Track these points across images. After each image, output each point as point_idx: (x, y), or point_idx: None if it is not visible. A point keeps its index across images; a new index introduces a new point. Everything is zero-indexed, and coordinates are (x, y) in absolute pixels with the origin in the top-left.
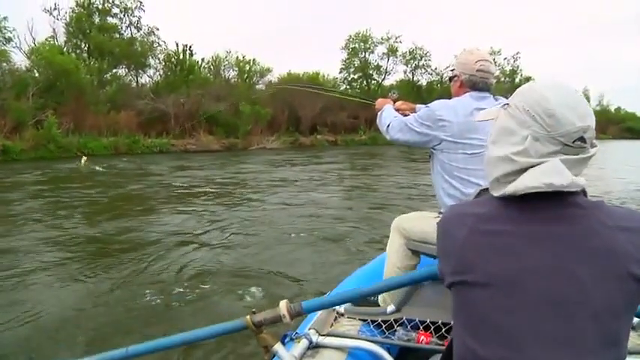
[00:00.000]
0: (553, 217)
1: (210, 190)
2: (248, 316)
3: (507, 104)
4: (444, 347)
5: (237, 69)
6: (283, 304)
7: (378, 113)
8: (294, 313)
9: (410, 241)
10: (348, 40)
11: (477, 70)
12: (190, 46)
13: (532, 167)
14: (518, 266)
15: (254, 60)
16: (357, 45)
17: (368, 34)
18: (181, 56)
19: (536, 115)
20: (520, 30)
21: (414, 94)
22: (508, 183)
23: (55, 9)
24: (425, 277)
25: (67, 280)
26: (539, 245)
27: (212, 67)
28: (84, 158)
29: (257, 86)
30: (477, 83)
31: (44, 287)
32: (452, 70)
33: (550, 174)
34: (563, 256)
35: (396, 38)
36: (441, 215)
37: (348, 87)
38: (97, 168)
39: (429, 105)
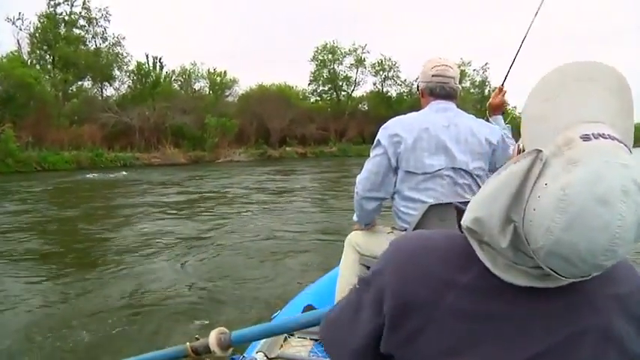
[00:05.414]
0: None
1: (168, 207)
2: (188, 343)
3: None
4: None
5: (208, 81)
6: (214, 335)
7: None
8: (224, 345)
9: (363, 257)
10: (316, 51)
11: (433, 76)
12: (160, 58)
13: None
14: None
15: (225, 72)
16: (324, 57)
17: (335, 45)
18: (151, 68)
19: None
20: (494, 39)
21: (384, 105)
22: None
23: (18, 19)
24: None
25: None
26: (533, 330)
27: (182, 79)
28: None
29: (226, 98)
30: (434, 89)
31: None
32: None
33: None
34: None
35: (363, 48)
36: (394, 231)
37: (318, 98)
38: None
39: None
